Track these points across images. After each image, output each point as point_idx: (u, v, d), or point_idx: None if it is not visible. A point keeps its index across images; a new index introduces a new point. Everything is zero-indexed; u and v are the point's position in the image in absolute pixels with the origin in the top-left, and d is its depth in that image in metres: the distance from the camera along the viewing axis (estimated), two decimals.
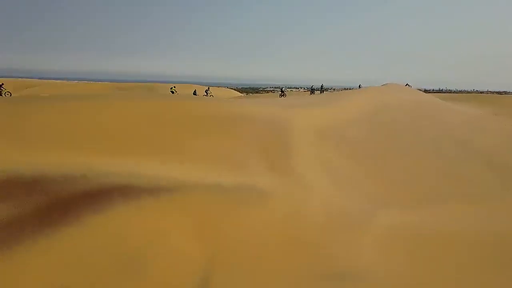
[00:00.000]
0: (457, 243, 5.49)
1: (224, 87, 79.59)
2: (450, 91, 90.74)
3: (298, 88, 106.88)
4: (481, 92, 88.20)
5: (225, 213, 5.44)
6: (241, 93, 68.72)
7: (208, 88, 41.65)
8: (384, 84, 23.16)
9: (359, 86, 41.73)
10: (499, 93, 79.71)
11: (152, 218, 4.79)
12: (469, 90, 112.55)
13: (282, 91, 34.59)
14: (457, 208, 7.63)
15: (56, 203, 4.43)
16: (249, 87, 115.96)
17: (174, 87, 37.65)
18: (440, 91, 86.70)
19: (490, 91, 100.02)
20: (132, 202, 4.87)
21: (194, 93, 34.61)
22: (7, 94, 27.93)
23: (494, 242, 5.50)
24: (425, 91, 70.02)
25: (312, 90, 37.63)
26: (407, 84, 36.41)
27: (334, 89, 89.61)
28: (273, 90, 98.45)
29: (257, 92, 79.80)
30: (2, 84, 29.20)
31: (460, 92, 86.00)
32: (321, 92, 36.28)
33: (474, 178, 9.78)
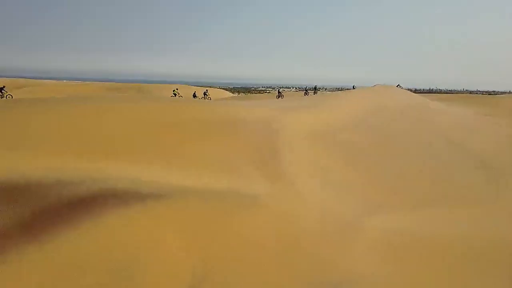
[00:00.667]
0: (451, 248, 5.48)
1: (216, 87, 79.12)
2: (440, 91, 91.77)
3: (290, 88, 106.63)
4: (470, 92, 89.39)
5: (219, 218, 5.39)
6: (233, 93, 68.37)
7: (207, 90, 41.41)
8: (374, 86, 23.21)
9: (353, 87, 42.23)
10: (488, 93, 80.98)
11: (146, 223, 4.74)
12: (459, 90, 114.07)
13: (279, 93, 34.63)
14: (451, 212, 7.63)
15: (51, 209, 4.36)
16: (241, 87, 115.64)
17: (177, 89, 37.20)
18: (430, 91, 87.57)
19: (480, 91, 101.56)
20: (127, 207, 4.81)
21: (194, 95, 34.34)
22: (9, 97, 27.67)
23: (488, 246, 5.50)
24: (415, 91, 70.74)
25: (306, 91, 38.07)
26: (398, 85, 36.71)
27: (326, 89, 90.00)
28: (266, 89, 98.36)
29: (249, 92, 79.59)
30: (4, 86, 29.09)
31: (451, 92, 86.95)
32: (314, 93, 36.75)
33: (467, 181, 9.78)
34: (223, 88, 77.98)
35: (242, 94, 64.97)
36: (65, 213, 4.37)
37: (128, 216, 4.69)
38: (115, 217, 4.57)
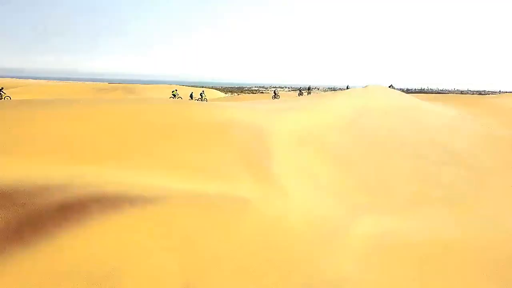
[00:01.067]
0: (439, 251, 5.49)
1: (209, 87, 78.99)
2: (431, 91, 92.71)
3: (283, 88, 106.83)
4: (461, 92, 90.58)
5: (208, 224, 5.32)
6: (225, 93, 68.30)
7: (203, 91, 41.58)
8: (365, 86, 23.32)
9: (347, 87, 42.76)
10: (479, 92, 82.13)
11: (131, 230, 4.63)
12: (450, 89, 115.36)
13: (275, 93, 34.63)
14: (437, 213, 7.72)
15: (29, 218, 4.25)
16: (234, 87, 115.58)
17: (176, 90, 36.78)
18: (422, 91, 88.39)
19: (470, 90, 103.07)
20: (110, 214, 4.69)
21: (191, 96, 34.33)
22: (7, 98, 27.33)
23: (473, 248, 5.53)
24: (407, 90, 71.43)
25: (300, 91, 38.52)
26: (390, 85, 36.96)
27: (318, 89, 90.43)
28: (258, 89, 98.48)
29: (242, 92, 79.60)
30: (2, 88, 28.79)
31: (442, 92, 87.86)
32: (308, 93, 37.30)
33: (453, 182, 9.93)
34: (216, 89, 77.85)
35: (235, 94, 64.94)
36: (42, 223, 4.25)
37: (111, 223, 4.58)
38: (97, 224, 4.46)
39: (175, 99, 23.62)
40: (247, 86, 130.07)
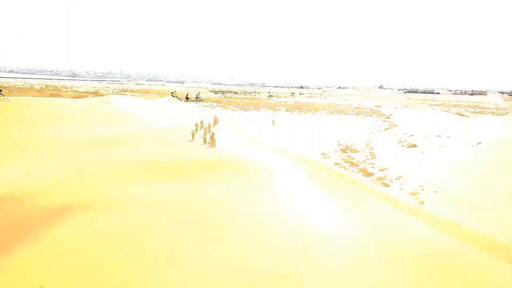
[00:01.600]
0: (437, 254, 5.35)
1: (202, 88, 79.18)
2: (423, 91, 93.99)
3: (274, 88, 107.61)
4: (453, 92, 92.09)
5: (190, 230, 5.13)
6: (215, 93, 68.45)
7: (199, 93, 42.50)
8: (355, 87, 23.68)
9: (338, 87, 43.92)
10: (468, 93, 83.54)
11: (112, 233, 4.45)
12: (440, 89, 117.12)
13: (270, 93, 35.86)
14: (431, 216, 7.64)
15: (13, 222, 4.22)
16: (223, 90, 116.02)
17: (175, 91, 37.84)
18: (411, 91, 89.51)
19: (459, 90, 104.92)
20: (91, 216, 4.63)
21: (187, 97, 35.24)
22: (6, 100, 27.00)
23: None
24: (398, 90, 72.33)
25: (292, 92, 39.79)
26: (381, 86, 37.57)
27: (308, 88, 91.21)
28: (251, 88, 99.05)
29: (235, 93, 79.85)
30: (1, 90, 28.46)
31: (432, 92, 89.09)
32: (300, 94, 38.56)
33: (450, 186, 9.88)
34: (210, 91, 78.08)
35: (226, 95, 65.01)
36: (28, 225, 4.20)
37: (94, 225, 4.48)
38: (80, 227, 4.37)
39: (174, 100, 25.69)
40: (239, 86, 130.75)
